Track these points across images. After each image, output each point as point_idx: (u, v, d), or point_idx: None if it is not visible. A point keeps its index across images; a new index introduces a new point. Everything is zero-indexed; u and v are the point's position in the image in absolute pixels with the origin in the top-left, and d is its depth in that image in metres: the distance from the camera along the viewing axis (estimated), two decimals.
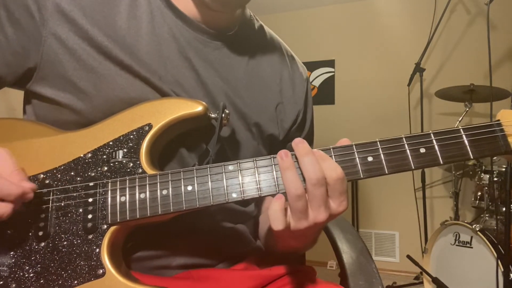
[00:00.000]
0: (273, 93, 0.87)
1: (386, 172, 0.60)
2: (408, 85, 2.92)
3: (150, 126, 0.67)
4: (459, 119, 2.56)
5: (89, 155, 0.66)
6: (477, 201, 2.46)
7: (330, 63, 3.62)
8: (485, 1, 2.15)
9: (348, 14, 3.56)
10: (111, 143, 0.67)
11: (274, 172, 0.61)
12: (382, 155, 0.60)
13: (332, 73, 3.61)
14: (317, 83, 3.65)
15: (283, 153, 0.58)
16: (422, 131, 2.48)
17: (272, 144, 0.87)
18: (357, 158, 0.61)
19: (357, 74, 3.51)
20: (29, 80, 0.72)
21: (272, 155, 0.62)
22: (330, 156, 0.61)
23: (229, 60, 0.82)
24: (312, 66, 3.63)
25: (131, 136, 0.67)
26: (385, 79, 3.39)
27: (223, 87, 0.79)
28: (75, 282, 0.59)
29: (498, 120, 0.61)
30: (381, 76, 3.42)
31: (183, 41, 0.77)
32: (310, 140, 0.96)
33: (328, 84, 3.62)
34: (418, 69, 2.82)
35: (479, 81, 2.53)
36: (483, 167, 2.45)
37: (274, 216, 0.58)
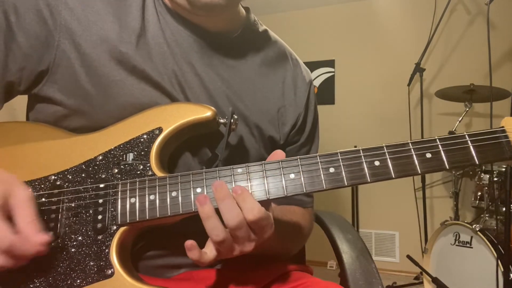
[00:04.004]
0: (275, 96, 0.87)
1: (393, 176, 0.61)
2: (408, 85, 2.92)
3: (160, 129, 0.68)
4: (459, 119, 2.56)
5: (100, 157, 0.67)
6: (477, 201, 2.46)
7: (330, 63, 3.62)
8: (485, 1, 2.15)
9: (348, 14, 3.56)
10: (121, 146, 0.68)
11: (283, 175, 0.62)
12: (388, 160, 0.61)
13: (332, 73, 3.61)
14: (317, 83, 3.65)
15: (202, 198, 0.59)
16: (422, 131, 2.48)
17: (273, 148, 0.87)
18: (364, 163, 0.62)
19: (357, 74, 3.51)
20: (39, 84, 0.71)
21: (280, 159, 0.63)
22: (337, 159, 0.62)
23: (232, 63, 0.82)
24: (312, 66, 3.63)
25: (142, 139, 0.68)
26: (385, 79, 3.40)
27: (225, 91, 0.79)
28: (84, 282, 0.60)
29: (503, 127, 0.62)
30: (381, 76, 3.42)
31: (186, 46, 0.77)
32: (310, 143, 0.95)
33: (328, 84, 3.62)
34: (418, 69, 2.83)
35: (479, 81, 2.53)
36: (483, 167, 2.44)
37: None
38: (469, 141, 0.61)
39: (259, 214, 0.58)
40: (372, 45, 3.47)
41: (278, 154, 0.65)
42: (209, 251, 0.61)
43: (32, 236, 0.54)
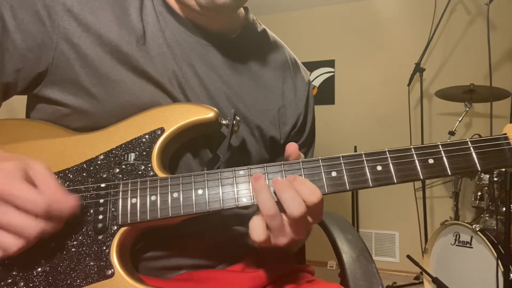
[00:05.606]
0: (275, 96, 0.87)
1: (395, 181, 0.61)
2: (408, 85, 2.93)
3: (162, 130, 0.68)
4: (459, 119, 2.56)
5: (101, 156, 0.67)
6: (477, 201, 2.46)
7: (330, 63, 3.62)
8: (485, 1, 2.15)
9: (348, 14, 3.56)
10: (123, 145, 0.68)
11: (284, 178, 0.61)
12: (391, 165, 0.61)
13: (332, 73, 3.61)
14: (317, 83, 3.65)
15: (256, 175, 0.60)
16: (422, 131, 2.48)
17: (273, 148, 0.87)
18: (366, 167, 0.61)
19: (357, 74, 3.52)
20: (38, 85, 0.71)
21: (282, 162, 0.63)
22: (339, 163, 0.62)
23: (232, 63, 0.82)
24: (312, 66, 3.63)
25: (143, 140, 0.68)
26: (385, 79, 3.40)
27: (226, 91, 0.79)
28: (84, 282, 0.60)
29: (505, 134, 0.62)
30: (381, 76, 3.42)
31: (186, 47, 0.77)
32: (310, 143, 0.96)
33: (328, 84, 3.62)
34: (418, 69, 2.83)
35: (479, 81, 2.54)
36: None
37: (255, 227, 0.59)
38: (471, 148, 0.61)
39: (321, 196, 0.58)
40: (372, 45, 3.47)
41: (292, 147, 0.65)
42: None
43: (63, 197, 0.56)
